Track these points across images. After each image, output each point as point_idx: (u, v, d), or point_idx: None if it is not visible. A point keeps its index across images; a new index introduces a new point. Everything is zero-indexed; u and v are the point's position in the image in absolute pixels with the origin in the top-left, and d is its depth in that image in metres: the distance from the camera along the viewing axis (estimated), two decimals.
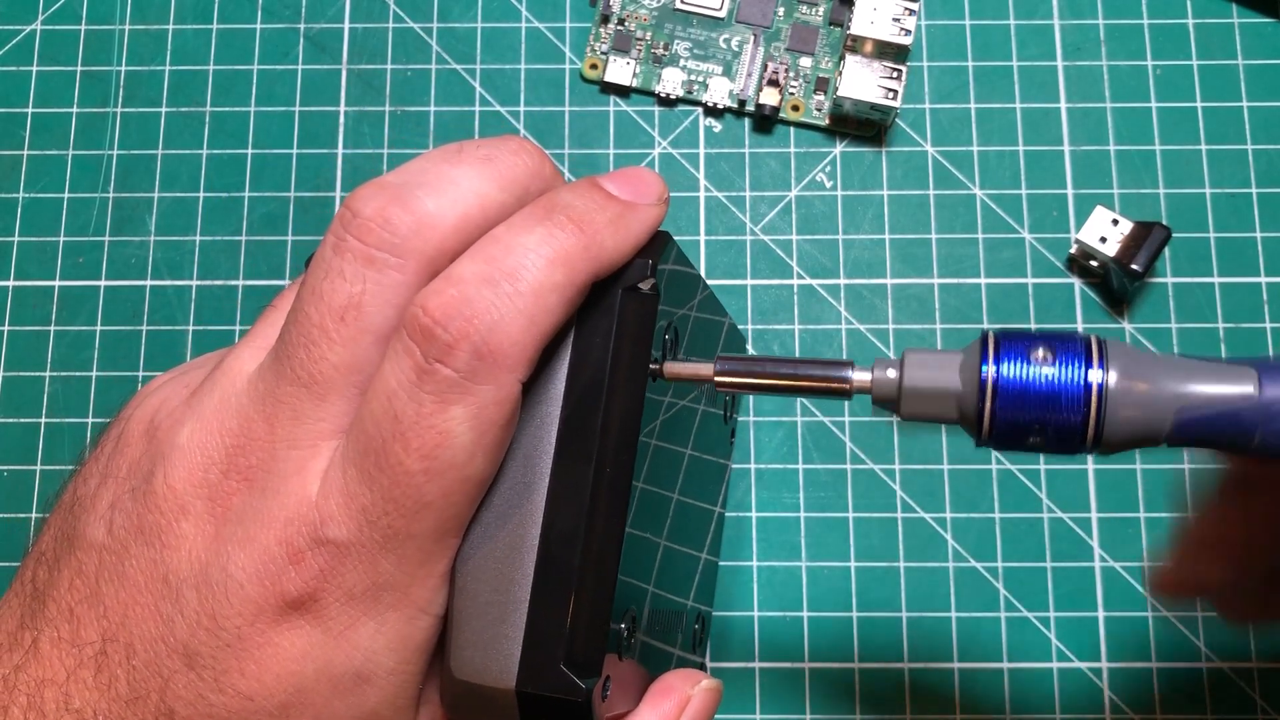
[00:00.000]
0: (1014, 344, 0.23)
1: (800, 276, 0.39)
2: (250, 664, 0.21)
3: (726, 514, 0.37)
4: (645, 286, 0.23)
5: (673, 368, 0.24)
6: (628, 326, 0.22)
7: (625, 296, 0.22)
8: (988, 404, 0.22)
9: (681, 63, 0.41)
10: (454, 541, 0.22)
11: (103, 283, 0.40)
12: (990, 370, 0.22)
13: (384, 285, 0.21)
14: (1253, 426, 0.22)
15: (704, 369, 0.24)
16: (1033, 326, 0.38)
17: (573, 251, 0.21)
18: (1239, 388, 0.22)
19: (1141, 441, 0.22)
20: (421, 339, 0.20)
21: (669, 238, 0.24)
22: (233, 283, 0.40)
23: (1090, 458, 0.37)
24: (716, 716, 0.36)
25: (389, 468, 0.20)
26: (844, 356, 0.39)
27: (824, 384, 0.24)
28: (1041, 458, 0.37)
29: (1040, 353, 0.22)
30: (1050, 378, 0.22)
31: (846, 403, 0.38)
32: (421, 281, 0.21)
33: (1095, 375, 0.22)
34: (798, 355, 0.39)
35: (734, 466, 0.38)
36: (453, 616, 0.22)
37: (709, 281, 0.39)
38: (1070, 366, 0.22)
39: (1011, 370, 0.22)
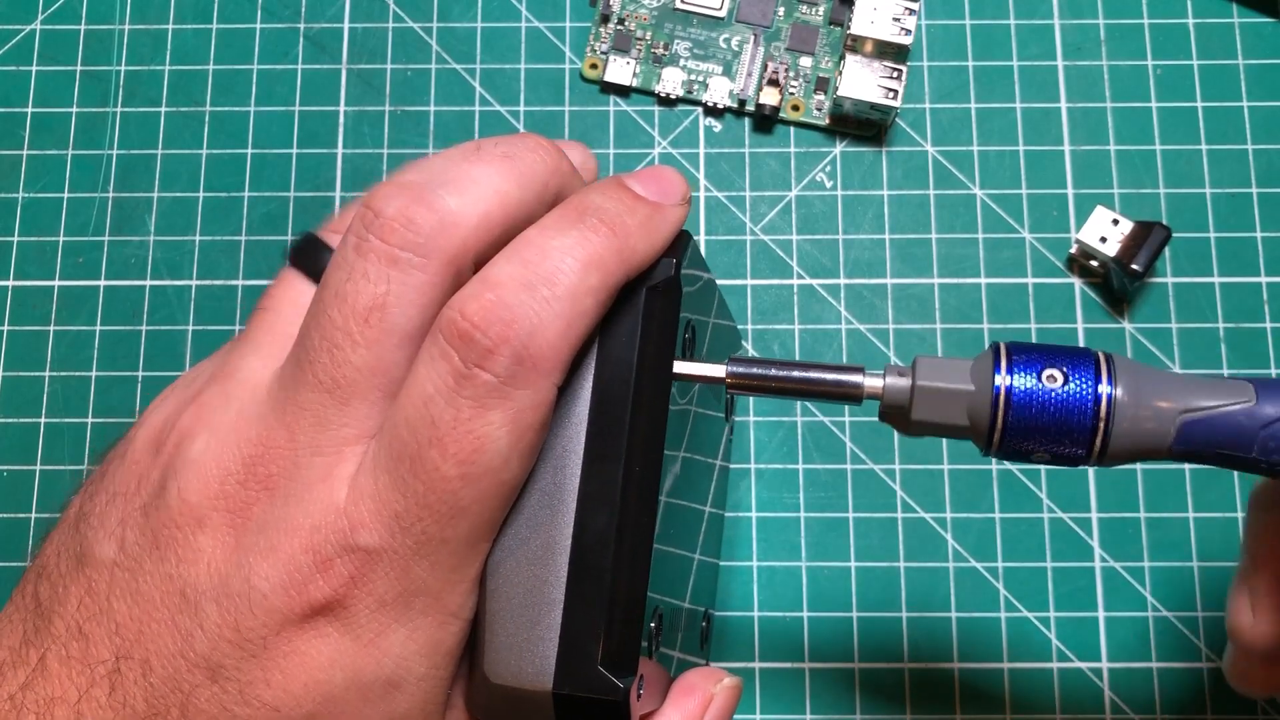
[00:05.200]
0: (1026, 356, 0.23)
1: (800, 276, 0.39)
2: (276, 674, 0.21)
3: (726, 514, 0.37)
4: (669, 286, 0.23)
5: (683, 367, 0.24)
6: (653, 326, 0.22)
7: (650, 296, 0.22)
8: (1000, 413, 0.23)
9: (681, 62, 0.41)
10: (486, 546, 0.22)
11: (102, 283, 0.40)
12: (1003, 380, 0.23)
13: (408, 286, 0.21)
14: (1251, 437, 0.22)
15: (716, 370, 0.24)
16: (1033, 327, 0.38)
17: (606, 255, 0.21)
18: (1238, 399, 0.22)
19: (1145, 453, 0.23)
20: (460, 343, 0.20)
21: (689, 237, 0.24)
22: (233, 283, 0.40)
23: None
24: None
25: (424, 473, 0.20)
26: (844, 357, 0.39)
27: (836, 390, 0.24)
28: None
29: (1051, 366, 0.23)
30: (1061, 390, 0.23)
31: None
32: (445, 281, 0.21)
33: (1104, 388, 0.22)
34: (798, 357, 0.39)
35: (733, 466, 0.38)
36: (485, 619, 0.22)
37: None
38: (1080, 380, 0.23)
39: (1023, 382, 0.23)
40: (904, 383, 0.23)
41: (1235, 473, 0.37)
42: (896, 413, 0.24)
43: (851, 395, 0.24)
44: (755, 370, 0.24)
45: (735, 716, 0.36)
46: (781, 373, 0.24)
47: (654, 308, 0.22)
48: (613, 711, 0.21)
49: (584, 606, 0.21)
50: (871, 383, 0.24)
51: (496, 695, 0.22)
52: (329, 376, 0.21)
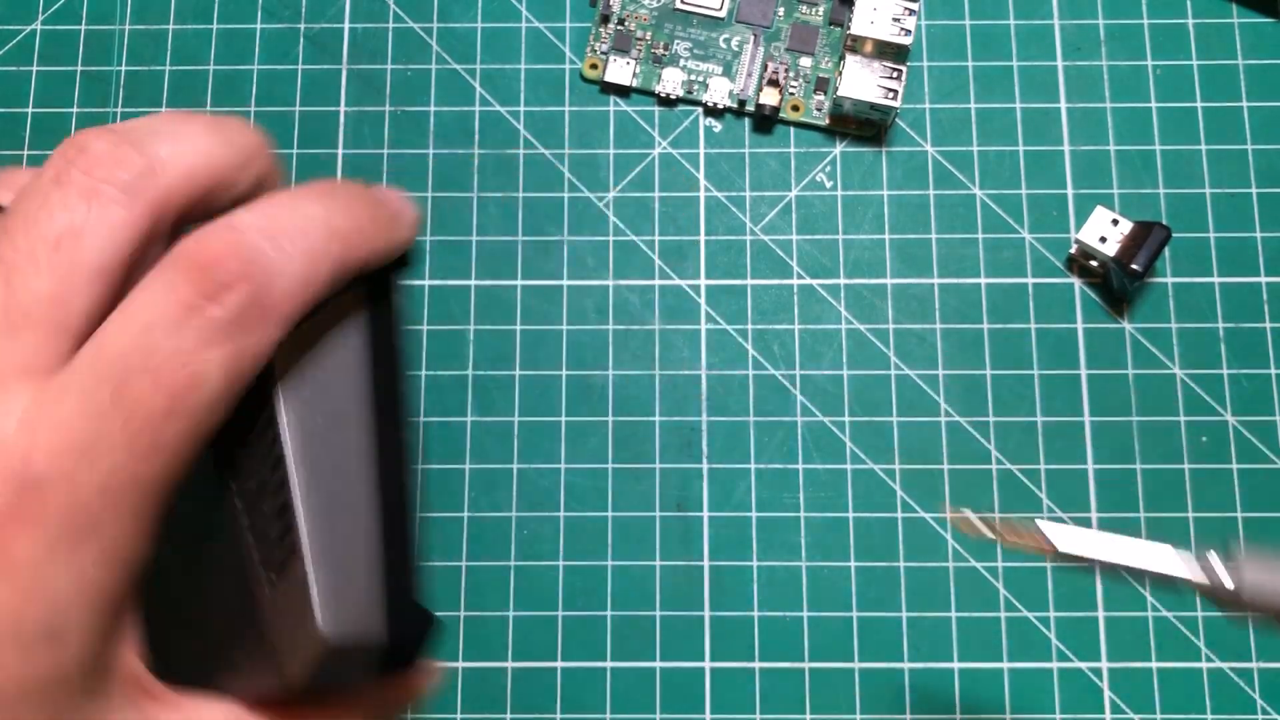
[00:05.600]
0: None
1: (800, 276, 0.39)
2: None
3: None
4: (399, 292, 0.24)
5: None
6: (390, 312, 0.24)
7: (387, 279, 0.24)
8: None
9: (681, 63, 0.41)
10: (168, 493, 0.21)
11: None
12: None
13: (106, 221, 0.20)
14: None
15: (1046, 542, 0.26)
16: (1033, 327, 0.38)
17: (351, 233, 0.22)
18: None
19: None
20: (196, 275, 0.20)
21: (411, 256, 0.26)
22: None
23: (1090, 458, 0.37)
24: (721, 716, 0.36)
25: (128, 402, 0.19)
26: (844, 357, 0.39)
27: (1199, 589, 0.25)
28: (1041, 456, 0.37)
29: None
30: None
31: (846, 401, 0.38)
32: (145, 226, 0.21)
33: None
34: (798, 356, 0.39)
35: (718, 467, 0.38)
36: (306, 577, 0.22)
37: (708, 281, 0.39)
38: None
39: None
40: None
41: (1235, 472, 0.37)
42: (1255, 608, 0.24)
43: (1215, 593, 0.25)
44: (1087, 547, 0.26)
45: (738, 716, 0.36)
46: (1116, 560, 0.26)
47: (389, 291, 0.24)
48: (431, 639, 0.23)
49: (394, 559, 0.23)
50: (1258, 579, 0.24)
51: (325, 653, 0.22)
52: (3, 304, 0.20)
